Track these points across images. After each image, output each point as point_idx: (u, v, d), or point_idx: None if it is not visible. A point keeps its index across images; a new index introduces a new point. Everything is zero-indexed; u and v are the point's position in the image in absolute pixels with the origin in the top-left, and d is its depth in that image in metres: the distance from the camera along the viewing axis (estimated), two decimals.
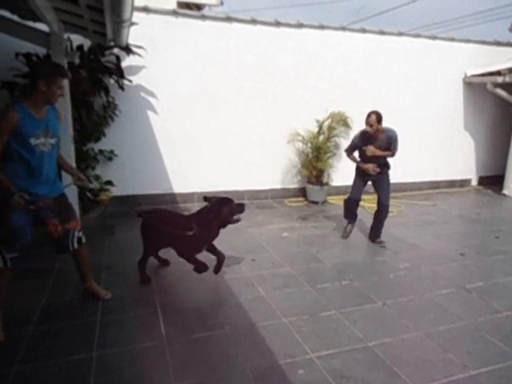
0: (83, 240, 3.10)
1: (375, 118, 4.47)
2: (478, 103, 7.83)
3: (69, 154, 4.45)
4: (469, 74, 7.54)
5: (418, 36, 7.25)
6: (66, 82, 2.75)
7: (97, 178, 5.55)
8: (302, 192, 6.86)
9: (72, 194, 4.43)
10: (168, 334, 2.73)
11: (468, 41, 7.56)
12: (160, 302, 3.17)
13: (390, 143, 4.61)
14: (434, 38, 7.34)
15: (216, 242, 4.57)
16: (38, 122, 2.66)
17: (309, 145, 6.55)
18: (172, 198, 6.19)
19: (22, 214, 2.64)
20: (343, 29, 6.68)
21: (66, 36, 4.55)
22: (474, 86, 7.61)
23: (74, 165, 4.53)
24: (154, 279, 3.60)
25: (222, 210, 3.44)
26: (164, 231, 3.40)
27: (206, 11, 8.68)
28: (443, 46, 7.38)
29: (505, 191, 7.40)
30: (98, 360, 2.44)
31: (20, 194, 2.53)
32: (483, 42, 7.67)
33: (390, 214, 5.91)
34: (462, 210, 6.41)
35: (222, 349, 2.58)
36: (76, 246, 3.03)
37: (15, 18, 4.35)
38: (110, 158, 5.70)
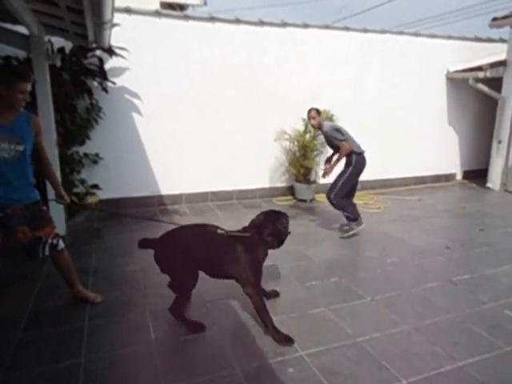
0: (59, 247, 3.00)
1: (314, 112, 4.97)
2: (461, 99, 7.96)
3: (52, 158, 4.35)
4: (451, 70, 7.66)
5: (401, 33, 7.33)
6: (29, 87, 2.67)
7: (82, 181, 5.48)
8: (290, 190, 6.89)
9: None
10: (157, 337, 2.71)
11: (450, 37, 7.67)
12: (149, 305, 3.14)
13: (330, 140, 4.93)
14: (416, 34, 7.43)
15: None
16: (0, 128, 2.60)
17: (295, 143, 6.57)
18: (159, 199, 6.15)
19: None
20: (327, 27, 6.72)
21: (46, 38, 4.48)
22: (457, 82, 7.73)
23: (57, 169, 4.46)
24: (142, 282, 3.57)
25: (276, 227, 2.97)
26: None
27: (189, 11, 8.66)
28: (426, 42, 7.47)
29: (489, 184, 7.53)
30: (86, 366, 2.41)
31: None
32: (464, 38, 7.79)
33: (376, 210, 6.03)
34: (447, 204, 6.50)
35: (212, 350, 2.57)
36: (47, 252, 2.94)
37: None
38: (95, 162, 5.63)
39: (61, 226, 4.44)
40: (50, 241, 2.94)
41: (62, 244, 3.05)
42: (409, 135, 7.63)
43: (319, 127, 5.03)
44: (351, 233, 4.83)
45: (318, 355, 2.50)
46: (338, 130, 4.84)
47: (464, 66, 7.49)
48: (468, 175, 8.40)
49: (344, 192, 4.83)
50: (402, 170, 7.77)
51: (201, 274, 2.90)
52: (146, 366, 2.42)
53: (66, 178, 4.84)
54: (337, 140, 4.82)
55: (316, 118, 4.96)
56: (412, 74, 7.44)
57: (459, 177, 8.41)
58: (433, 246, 4.48)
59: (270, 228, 2.95)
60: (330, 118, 6.59)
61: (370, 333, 2.74)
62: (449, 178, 8.27)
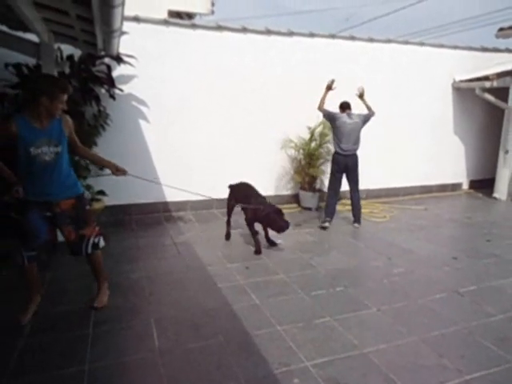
0: (101, 245, 3.20)
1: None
2: (468, 108, 7.94)
3: None
4: (457, 80, 7.66)
5: (406, 43, 7.35)
6: (66, 97, 2.81)
7: (88, 187, 5.51)
8: (295, 198, 6.88)
9: None
10: (161, 345, 2.70)
11: (456, 47, 7.68)
12: (153, 312, 3.13)
13: None
14: (422, 44, 7.46)
15: (209, 250, 4.60)
16: (39, 132, 2.75)
17: (301, 151, 6.58)
18: (164, 206, 6.17)
19: (38, 216, 2.85)
20: (333, 36, 6.76)
21: (56, 46, 4.55)
22: (463, 91, 7.73)
23: None
24: (146, 289, 3.57)
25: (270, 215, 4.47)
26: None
27: (196, 20, 8.77)
28: (431, 52, 7.49)
29: (495, 194, 7.48)
30: (90, 373, 2.40)
31: (16, 188, 2.77)
32: (470, 48, 7.80)
33: (382, 219, 6.00)
34: (453, 213, 6.46)
35: (216, 359, 2.55)
36: (90, 250, 3.11)
37: (4, 28, 4.34)
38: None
39: None
40: (92, 240, 3.10)
41: (102, 242, 3.22)
42: (414, 144, 7.61)
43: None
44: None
45: (323, 366, 2.47)
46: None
47: (470, 75, 7.49)
48: (474, 185, 8.35)
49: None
50: (407, 179, 7.74)
51: None
52: (150, 375, 2.41)
53: None
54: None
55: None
56: (418, 83, 7.45)
57: (465, 186, 8.36)
58: (439, 256, 4.44)
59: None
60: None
61: (377, 344, 2.71)
62: (455, 187, 8.23)
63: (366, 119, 5.52)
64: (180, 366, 2.48)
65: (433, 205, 7.00)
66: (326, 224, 5.53)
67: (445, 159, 7.97)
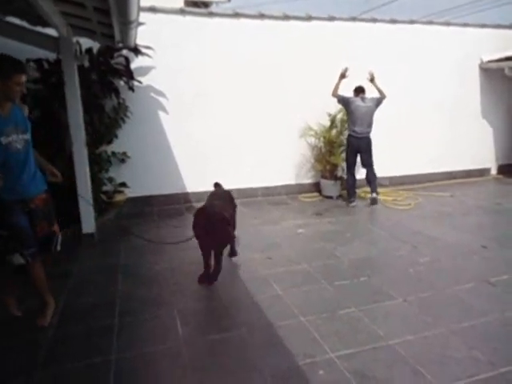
0: (59, 245, 3.06)
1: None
2: (496, 89, 7.59)
3: (82, 158, 4.49)
4: (485, 60, 7.33)
5: (430, 23, 7.08)
6: (24, 78, 2.68)
7: (110, 180, 5.58)
8: (316, 187, 6.78)
9: (87, 196, 4.48)
10: (185, 336, 2.71)
11: (483, 25, 7.34)
12: (176, 303, 3.15)
13: None
14: (447, 24, 7.16)
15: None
16: (5, 120, 2.63)
17: (321, 139, 6.46)
18: (185, 197, 6.19)
19: (22, 216, 2.75)
20: (353, 19, 6.57)
21: (74, 40, 4.57)
22: (491, 72, 7.38)
23: (87, 169, 4.56)
24: (170, 280, 3.59)
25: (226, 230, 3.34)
26: None
27: (213, 8, 8.67)
28: (457, 32, 7.19)
29: None
30: (117, 363, 2.44)
31: None
32: (499, 26, 7.44)
33: (406, 207, 5.85)
34: (481, 200, 6.22)
35: (240, 350, 2.55)
36: (59, 248, 3.03)
37: (24, 24, 4.39)
38: (122, 160, 5.73)
39: (90, 224, 4.56)
40: (59, 237, 3.03)
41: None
42: (438, 129, 7.35)
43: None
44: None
45: (348, 358, 2.43)
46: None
47: (499, 55, 7.14)
48: (504, 170, 8.00)
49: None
50: (432, 165, 7.49)
51: None
52: (174, 365, 2.42)
53: (94, 176, 4.93)
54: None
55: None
56: (442, 64, 7.16)
57: (494, 171, 8.04)
58: (467, 245, 4.29)
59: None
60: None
61: (403, 335, 2.64)
62: (482, 172, 7.92)
63: (378, 103, 5.79)
64: (204, 357, 2.49)
65: (459, 191, 6.77)
66: (354, 203, 5.97)
67: (471, 143, 7.66)
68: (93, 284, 3.58)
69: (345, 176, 6.24)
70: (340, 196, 6.42)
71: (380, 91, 5.78)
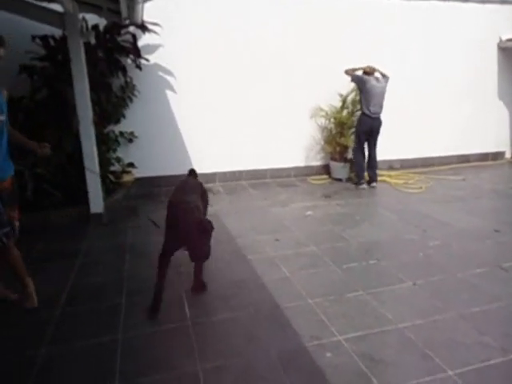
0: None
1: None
2: None
3: (89, 138, 4.45)
4: (504, 39, 7.05)
5: None
6: (2, 51, 2.55)
7: (118, 160, 5.55)
8: (326, 169, 6.68)
9: (94, 177, 4.47)
10: (192, 316, 2.71)
11: (503, 1, 7.02)
12: (183, 283, 3.14)
13: None
14: (465, 0, 6.85)
15: (237, 222, 4.55)
16: None
17: (332, 120, 6.33)
18: None
19: None
20: None
21: (80, 16, 4.47)
22: (510, 52, 7.11)
23: (94, 148, 4.52)
24: (177, 261, 3.57)
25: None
26: None
27: None
28: (475, 8, 6.90)
29: None
30: (124, 342, 2.45)
31: None
32: None
33: (417, 190, 5.75)
34: (495, 184, 6.08)
35: (247, 330, 2.54)
36: (17, 234, 2.88)
37: None
38: (130, 140, 5.68)
39: (98, 204, 4.55)
40: (17, 224, 2.90)
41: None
42: (452, 110, 7.15)
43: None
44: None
45: (356, 341, 2.40)
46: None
47: None
48: None
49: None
50: (443, 148, 7.33)
51: None
52: (181, 345, 2.42)
53: (102, 156, 4.90)
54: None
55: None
56: (459, 43, 6.91)
57: (508, 155, 7.84)
58: (479, 229, 4.20)
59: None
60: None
61: (413, 319, 2.60)
62: (497, 156, 7.73)
63: (387, 82, 5.77)
64: (211, 337, 2.48)
65: (472, 175, 6.63)
66: (364, 185, 5.92)
67: (486, 126, 7.46)
68: (101, 263, 3.59)
69: (353, 158, 6.14)
70: (349, 179, 6.32)
71: (384, 74, 5.76)
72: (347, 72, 5.78)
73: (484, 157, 7.63)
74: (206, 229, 2.50)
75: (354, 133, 5.99)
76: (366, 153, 6.00)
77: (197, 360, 2.27)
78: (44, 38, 4.71)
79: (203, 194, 3.15)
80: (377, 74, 5.71)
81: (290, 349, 2.34)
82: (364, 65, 5.74)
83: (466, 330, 2.50)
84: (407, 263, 3.46)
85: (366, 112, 5.66)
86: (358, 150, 5.90)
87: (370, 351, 2.30)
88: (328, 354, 2.29)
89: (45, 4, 4.30)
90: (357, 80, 5.75)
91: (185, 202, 2.67)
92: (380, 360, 2.23)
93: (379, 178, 6.11)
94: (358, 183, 5.96)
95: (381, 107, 5.70)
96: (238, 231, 4.23)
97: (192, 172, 3.42)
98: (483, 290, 2.97)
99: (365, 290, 3.00)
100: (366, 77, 5.66)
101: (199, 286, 3.04)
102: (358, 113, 6.24)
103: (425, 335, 2.44)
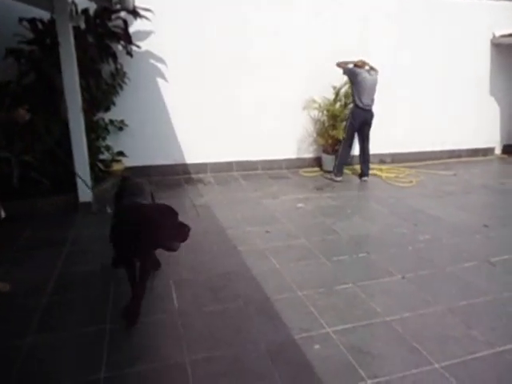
0: None
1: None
2: (507, 66, 7.37)
3: (78, 125, 4.35)
4: (497, 35, 7.07)
5: None
6: None
7: (108, 148, 5.47)
8: (318, 162, 6.67)
9: (83, 164, 4.38)
10: (180, 307, 2.68)
11: None
12: (172, 274, 3.12)
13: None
14: None
15: (228, 213, 4.52)
16: None
17: (325, 112, 6.29)
18: (184, 168, 6.09)
19: None
20: None
21: None
22: (504, 48, 7.14)
23: (84, 135, 4.43)
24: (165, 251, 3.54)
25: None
26: None
27: None
28: (469, 3, 6.88)
29: None
30: (111, 331, 2.42)
31: None
32: None
33: (408, 184, 5.77)
34: (485, 179, 6.14)
35: (236, 322, 2.52)
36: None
37: None
38: (120, 128, 5.59)
39: (87, 193, 4.47)
40: None
41: None
42: (444, 105, 7.16)
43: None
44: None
45: (345, 333, 2.41)
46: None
47: None
48: (508, 150, 7.87)
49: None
50: (434, 143, 7.35)
51: None
52: (169, 335, 2.40)
53: (91, 144, 4.81)
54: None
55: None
56: (452, 38, 6.90)
57: (498, 151, 7.91)
58: (469, 224, 4.23)
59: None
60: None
61: (401, 312, 2.61)
62: (487, 152, 7.79)
63: (377, 76, 5.75)
64: (199, 329, 2.46)
65: (462, 170, 6.68)
66: (341, 178, 5.91)
67: (477, 122, 7.49)
68: (89, 252, 3.54)
69: (339, 149, 6.11)
70: (329, 171, 6.26)
71: (373, 67, 5.75)
72: (339, 65, 5.78)
73: (474, 152, 7.68)
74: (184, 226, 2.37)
75: (346, 125, 5.93)
76: (357, 147, 6.01)
77: (184, 351, 2.25)
78: (32, 21, 4.58)
79: (151, 194, 3.04)
80: (367, 68, 5.71)
81: (279, 341, 2.34)
82: (356, 58, 5.72)
83: (454, 323, 2.52)
84: (397, 257, 3.48)
85: (359, 104, 5.63)
86: (347, 143, 5.85)
87: (358, 343, 2.31)
88: (316, 346, 2.28)
89: None
90: (349, 73, 5.73)
91: (148, 206, 2.51)
92: (368, 352, 2.23)
93: (370, 172, 6.12)
94: (335, 175, 5.88)
95: (372, 100, 5.70)
96: (228, 222, 4.20)
97: (125, 178, 3.18)
98: (471, 284, 3.00)
99: (354, 282, 3.00)
100: (357, 69, 5.64)
101: (134, 311, 2.49)
102: (351, 105, 6.23)
103: (413, 328, 2.46)
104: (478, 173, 6.56)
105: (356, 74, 5.62)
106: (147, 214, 2.31)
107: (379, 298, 2.80)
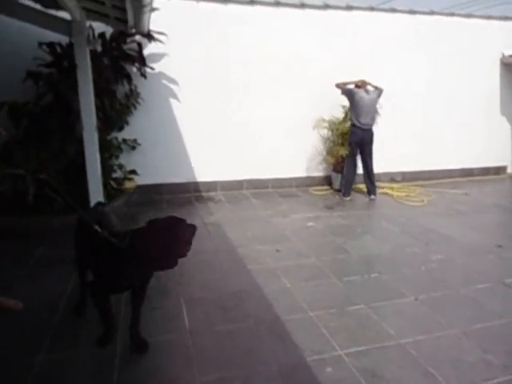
0: None
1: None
2: None
3: (93, 144, 4.45)
4: (507, 54, 7.11)
5: (451, 15, 6.86)
6: None
7: (120, 166, 5.56)
8: (327, 180, 6.68)
9: (96, 182, 4.46)
10: (191, 326, 2.68)
11: (506, 18, 7.09)
12: (183, 293, 3.12)
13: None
14: (469, 16, 6.94)
15: (238, 231, 4.53)
16: None
17: (334, 131, 6.34)
18: (195, 186, 6.15)
19: None
20: (372, 9, 6.39)
21: (88, 24, 4.51)
22: None
23: (97, 154, 4.52)
24: (177, 270, 3.55)
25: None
26: None
27: None
28: (479, 24, 6.96)
29: None
30: (122, 351, 2.42)
31: None
32: None
33: (419, 203, 5.73)
34: (497, 198, 6.08)
35: (247, 343, 2.50)
36: None
37: (38, 7, 4.34)
38: (133, 147, 5.70)
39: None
40: None
41: None
42: (455, 124, 7.17)
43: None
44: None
45: (357, 355, 2.37)
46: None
47: None
48: None
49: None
50: (446, 162, 7.34)
51: None
52: (180, 355, 2.39)
53: (105, 162, 4.90)
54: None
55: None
56: (462, 58, 6.96)
57: (511, 170, 7.83)
58: (482, 244, 4.18)
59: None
60: None
61: (414, 335, 2.57)
62: (499, 170, 7.74)
63: (379, 94, 5.85)
64: (210, 349, 2.45)
65: (474, 189, 6.62)
66: (350, 197, 5.95)
67: (488, 140, 7.47)
68: None
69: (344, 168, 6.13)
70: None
71: (376, 87, 5.84)
72: (338, 86, 5.89)
73: (486, 171, 7.63)
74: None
75: (348, 144, 6.00)
76: (360, 165, 6.02)
77: (195, 372, 2.23)
78: (51, 45, 4.75)
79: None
80: (369, 88, 5.79)
81: (291, 362, 2.31)
82: (356, 79, 5.81)
83: (469, 347, 2.46)
84: (409, 277, 3.44)
85: (357, 124, 5.73)
86: (350, 160, 5.92)
87: (372, 367, 2.27)
88: (329, 369, 2.25)
89: (53, 12, 4.35)
90: (346, 93, 5.84)
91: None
92: (381, 376, 2.19)
93: (381, 191, 6.12)
94: (344, 194, 5.97)
95: (372, 119, 5.78)
96: (238, 241, 4.21)
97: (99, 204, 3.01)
98: (486, 306, 2.94)
99: (366, 303, 2.97)
100: (355, 89, 5.75)
101: (141, 343, 2.44)
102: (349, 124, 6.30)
103: (427, 352, 2.41)
104: (490, 192, 6.49)
105: (353, 94, 5.73)
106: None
107: (392, 319, 2.76)
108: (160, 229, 2.13)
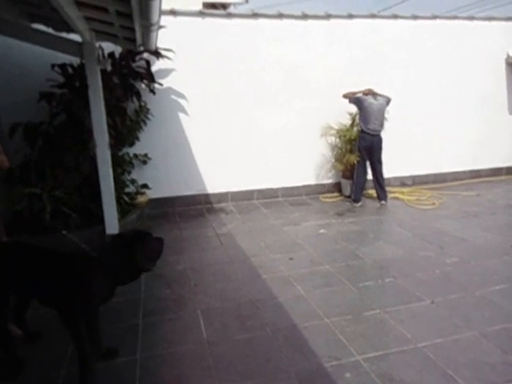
0: None
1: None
2: None
3: (105, 160, 4.55)
4: (511, 54, 7.09)
5: (454, 18, 6.89)
6: None
7: (133, 181, 5.65)
8: (337, 187, 6.70)
9: (110, 198, 4.55)
10: (209, 336, 2.71)
11: (509, 19, 7.10)
12: (199, 303, 3.16)
13: None
14: (471, 18, 6.96)
15: (251, 241, 4.57)
16: None
17: (342, 138, 6.37)
18: (206, 198, 6.22)
19: None
20: (373, 16, 6.45)
21: (97, 44, 4.65)
22: None
23: (110, 171, 4.62)
24: (192, 280, 3.60)
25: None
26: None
27: (231, 9, 8.69)
28: (482, 26, 6.98)
29: None
30: (142, 363, 2.46)
31: None
32: None
33: (430, 206, 5.71)
34: (509, 199, 6.02)
35: (264, 351, 2.52)
36: None
37: (50, 30, 4.50)
38: (144, 162, 5.79)
39: (114, 225, 4.61)
40: None
41: None
42: (463, 126, 7.15)
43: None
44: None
45: (375, 360, 2.38)
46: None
47: None
48: None
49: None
50: (456, 164, 7.31)
51: None
52: (199, 366, 2.42)
53: (117, 178, 5.00)
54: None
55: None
56: (467, 60, 6.97)
57: None
58: (496, 245, 4.15)
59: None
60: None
61: (432, 338, 2.57)
62: (510, 171, 7.66)
63: (388, 101, 5.91)
64: (229, 358, 2.47)
65: (485, 190, 6.57)
66: (361, 203, 5.97)
67: (498, 141, 7.42)
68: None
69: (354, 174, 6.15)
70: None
71: (384, 95, 5.89)
72: (346, 96, 5.96)
73: (497, 171, 7.57)
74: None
75: (356, 150, 6.04)
76: (369, 171, 6.04)
77: (215, 381, 2.26)
78: (63, 66, 4.90)
79: None
80: (377, 94, 5.85)
81: (309, 369, 2.33)
82: (362, 88, 5.88)
83: (489, 349, 2.45)
84: (424, 281, 3.43)
85: (365, 129, 5.79)
86: (360, 166, 5.96)
87: (390, 371, 2.27)
88: (347, 375, 2.26)
89: (64, 34, 4.51)
90: (354, 100, 5.92)
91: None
92: (400, 380, 2.19)
93: (391, 195, 6.12)
94: (354, 200, 5.99)
95: (381, 125, 5.81)
96: (252, 250, 4.25)
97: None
98: (503, 307, 2.92)
99: (382, 308, 2.97)
100: (363, 96, 5.83)
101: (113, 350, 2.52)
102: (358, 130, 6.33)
103: (445, 355, 2.40)
104: (502, 192, 6.44)
105: (362, 101, 5.81)
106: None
107: (409, 323, 2.76)
108: (125, 242, 2.19)
